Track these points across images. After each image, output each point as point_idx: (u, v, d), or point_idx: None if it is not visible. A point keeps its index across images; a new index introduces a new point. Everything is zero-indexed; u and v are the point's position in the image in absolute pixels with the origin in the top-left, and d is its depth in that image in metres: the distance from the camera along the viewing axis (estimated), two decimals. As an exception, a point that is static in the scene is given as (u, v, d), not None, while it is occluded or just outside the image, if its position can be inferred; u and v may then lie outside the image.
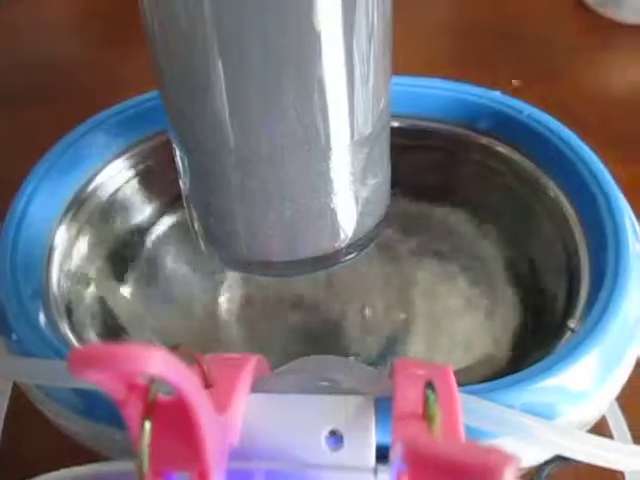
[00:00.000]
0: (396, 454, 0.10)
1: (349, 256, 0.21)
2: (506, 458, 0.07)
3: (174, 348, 0.11)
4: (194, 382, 0.10)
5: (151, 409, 0.10)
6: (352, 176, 0.19)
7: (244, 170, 0.18)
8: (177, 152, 0.20)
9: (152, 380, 0.10)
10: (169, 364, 0.09)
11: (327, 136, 0.18)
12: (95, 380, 0.09)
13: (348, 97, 0.17)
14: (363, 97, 0.18)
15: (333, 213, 0.20)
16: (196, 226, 0.22)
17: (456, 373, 0.15)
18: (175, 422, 0.11)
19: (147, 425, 0.10)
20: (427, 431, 0.11)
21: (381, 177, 0.21)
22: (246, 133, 0.17)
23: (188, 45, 0.16)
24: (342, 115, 0.18)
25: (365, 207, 0.20)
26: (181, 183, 0.21)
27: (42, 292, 0.20)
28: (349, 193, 0.20)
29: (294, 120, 0.17)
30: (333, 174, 0.19)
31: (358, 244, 0.21)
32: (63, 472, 0.14)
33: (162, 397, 0.11)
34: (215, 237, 0.21)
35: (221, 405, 0.13)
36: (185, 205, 0.22)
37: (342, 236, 0.20)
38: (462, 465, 0.08)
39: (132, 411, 0.10)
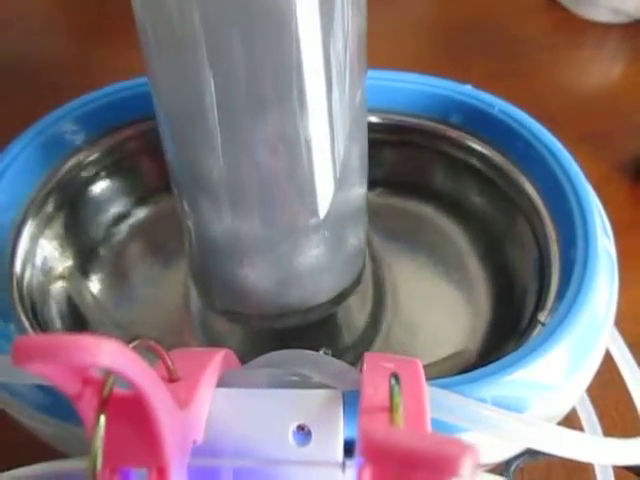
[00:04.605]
0: (357, 447, 0.10)
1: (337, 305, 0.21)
2: (464, 448, 0.07)
3: (133, 341, 0.11)
4: (151, 375, 0.10)
5: (106, 403, 0.10)
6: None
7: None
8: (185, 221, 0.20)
9: (108, 373, 0.10)
10: (122, 356, 0.09)
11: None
12: (43, 373, 0.09)
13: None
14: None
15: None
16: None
17: (426, 367, 0.15)
18: (132, 417, 0.10)
19: (101, 419, 0.10)
20: (389, 423, 0.11)
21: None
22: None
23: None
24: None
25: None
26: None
27: (4, 285, 0.20)
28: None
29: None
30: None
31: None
32: (17, 471, 0.14)
33: (119, 391, 0.10)
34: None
35: (184, 400, 0.13)
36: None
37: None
38: (419, 455, 0.07)
39: (87, 406, 0.10)
